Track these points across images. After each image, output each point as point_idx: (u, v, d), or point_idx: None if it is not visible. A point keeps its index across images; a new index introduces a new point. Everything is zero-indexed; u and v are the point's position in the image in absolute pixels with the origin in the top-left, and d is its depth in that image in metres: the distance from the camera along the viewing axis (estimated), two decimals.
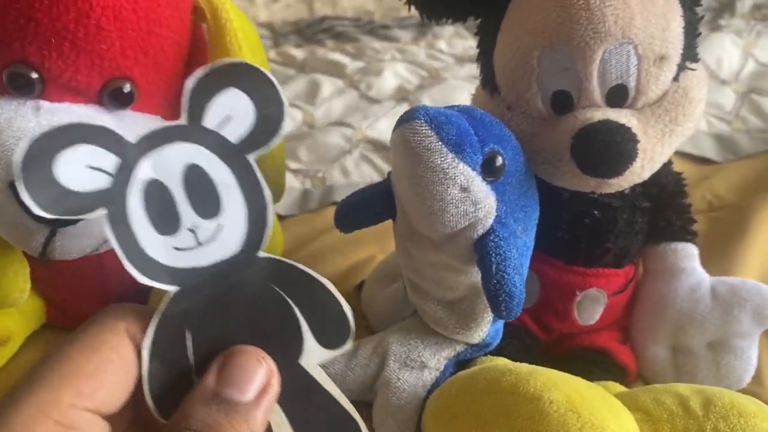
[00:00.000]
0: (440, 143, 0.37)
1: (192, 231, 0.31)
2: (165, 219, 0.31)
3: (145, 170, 0.31)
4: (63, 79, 0.38)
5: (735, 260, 0.59)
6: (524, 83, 0.43)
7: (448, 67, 1.01)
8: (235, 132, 0.32)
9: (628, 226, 0.48)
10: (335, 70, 1.01)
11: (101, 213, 0.30)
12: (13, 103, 0.38)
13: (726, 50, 0.97)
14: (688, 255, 0.51)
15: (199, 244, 0.32)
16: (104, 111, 0.40)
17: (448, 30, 1.17)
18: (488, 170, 0.39)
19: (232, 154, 0.32)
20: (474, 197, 0.38)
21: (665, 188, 0.50)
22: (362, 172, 0.78)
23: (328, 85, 0.96)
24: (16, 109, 0.37)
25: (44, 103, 0.38)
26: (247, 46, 0.43)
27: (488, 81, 0.47)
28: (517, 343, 0.50)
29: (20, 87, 0.38)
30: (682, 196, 0.51)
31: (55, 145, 0.29)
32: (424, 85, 0.96)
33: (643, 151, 0.42)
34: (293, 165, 0.79)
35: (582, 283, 0.49)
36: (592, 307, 0.50)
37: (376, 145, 0.82)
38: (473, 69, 1.00)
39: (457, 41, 1.12)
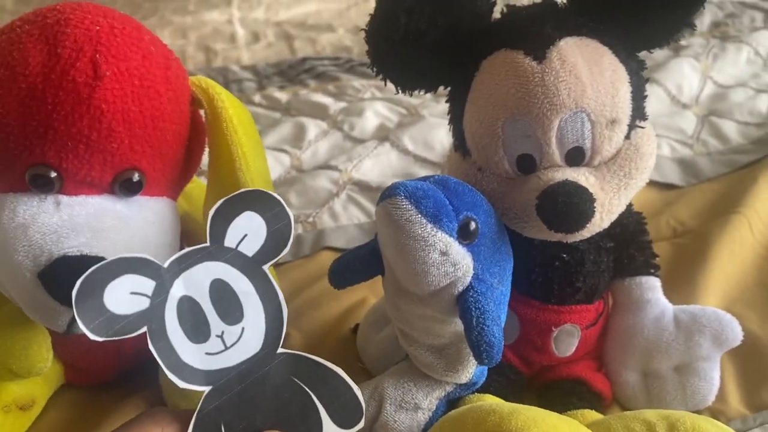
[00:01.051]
0: (419, 215, 0.42)
1: (220, 337, 0.38)
2: (197, 329, 0.37)
3: (177, 289, 0.37)
4: (79, 176, 0.42)
5: (698, 287, 0.64)
6: (492, 148, 0.48)
7: (425, 103, 1.06)
8: (251, 247, 0.38)
9: (595, 266, 0.53)
10: (319, 111, 1.06)
11: (143, 330, 0.36)
12: (34, 200, 0.42)
13: (685, 75, 1.03)
14: (652, 287, 0.56)
15: (227, 347, 0.38)
16: (116, 199, 0.44)
17: None
18: (464, 235, 0.43)
19: (250, 266, 0.38)
20: (453, 259, 0.43)
21: (627, 228, 0.55)
22: (350, 215, 0.82)
23: (313, 127, 1.01)
24: (38, 205, 0.42)
25: (63, 198, 0.42)
26: (242, 130, 0.48)
27: (460, 145, 0.52)
28: (502, 379, 0.55)
29: (41, 185, 0.42)
30: (643, 234, 0.56)
31: (105, 278, 0.35)
32: (404, 123, 1.01)
33: (601, 205, 0.47)
34: None
35: (557, 319, 0.54)
36: (567, 341, 0.55)
37: (362, 187, 0.87)
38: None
39: None
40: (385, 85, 0.53)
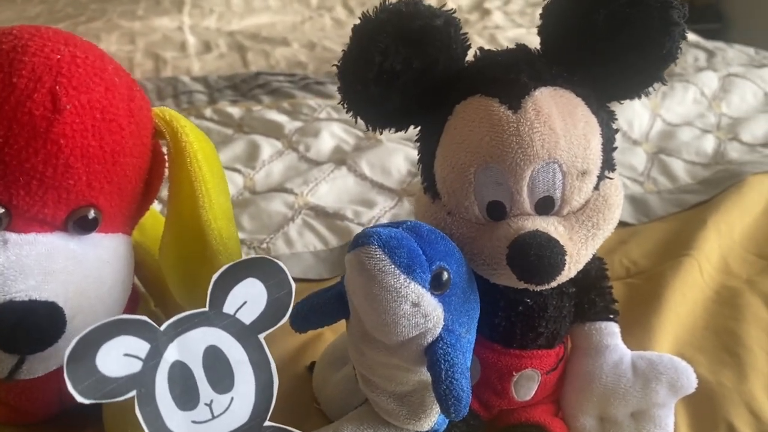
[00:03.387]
0: (393, 266, 0.41)
1: (209, 405, 0.37)
2: (186, 396, 0.36)
3: (171, 353, 0.36)
4: (30, 213, 0.40)
5: (652, 329, 0.65)
6: (462, 194, 0.48)
7: None
8: (249, 315, 0.38)
9: (557, 311, 0.53)
10: (273, 130, 1.04)
11: (132, 394, 0.35)
12: None
13: (636, 111, 1.06)
14: (611, 333, 0.56)
15: (214, 416, 0.37)
16: (69, 237, 0.42)
17: None
18: (436, 285, 0.43)
19: (246, 334, 0.38)
20: (424, 311, 0.42)
21: (589, 273, 0.55)
22: (306, 241, 0.81)
23: (267, 146, 0.99)
24: None
25: (11, 236, 0.39)
26: (206, 166, 0.46)
27: (430, 187, 0.51)
28: (462, 424, 0.54)
29: None
30: (604, 279, 0.57)
31: (100, 338, 0.34)
32: (361, 146, 1.00)
33: (569, 256, 0.47)
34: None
35: (518, 364, 0.53)
36: (527, 385, 0.55)
37: (318, 212, 0.85)
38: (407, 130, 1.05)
39: None
40: (356, 122, 0.52)
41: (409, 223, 0.45)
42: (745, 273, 0.75)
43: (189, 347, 0.37)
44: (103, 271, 0.42)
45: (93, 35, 1.33)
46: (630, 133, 1.03)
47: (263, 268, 0.39)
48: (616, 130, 0.50)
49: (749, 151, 1.01)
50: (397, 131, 0.53)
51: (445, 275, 0.43)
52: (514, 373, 0.53)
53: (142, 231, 0.55)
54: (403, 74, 0.48)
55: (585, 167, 0.47)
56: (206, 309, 0.38)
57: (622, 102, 0.51)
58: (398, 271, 0.41)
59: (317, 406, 0.58)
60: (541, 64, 0.48)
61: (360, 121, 0.52)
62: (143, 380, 0.36)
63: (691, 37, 1.47)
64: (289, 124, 1.05)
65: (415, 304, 0.42)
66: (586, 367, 0.56)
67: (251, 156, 0.97)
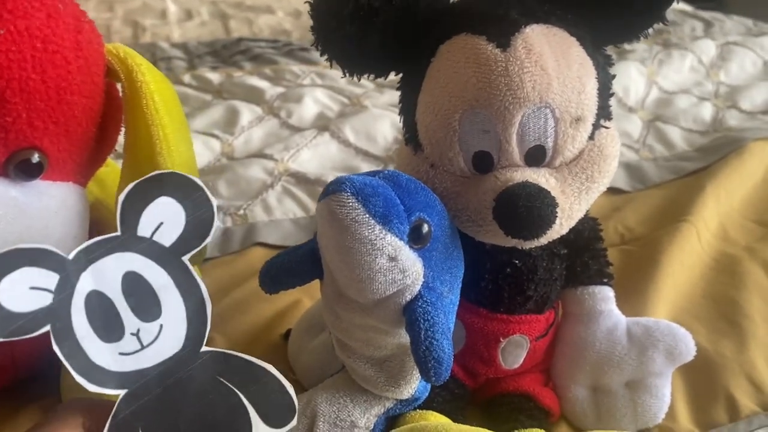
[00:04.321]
0: (367, 215, 0.37)
1: (135, 335, 0.33)
2: (109, 327, 0.33)
3: (85, 283, 0.32)
4: None
5: (648, 296, 0.62)
6: (446, 143, 0.44)
7: (368, 93, 1.01)
8: (168, 236, 0.34)
9: (548, 273, 0.50)
10: (254, 96, 0.99)
11: (46, 329, 0.32)
12: None
13: (632, 78, 1.02)
14: (605, 298, 0.53)
15: (143, 346, 0.34)
16: (10, 183, 0.38)
17: None
18: (415, 238, 0.39)
19: (167, 257, 0.34)
20: (402, 265, 0.38)
21: (582, 234, 0.52)
22: (285, 208, 0.77)
23: (247, 112, 0.95)
24: None
25: None
26: (164, 109, 0.42)
27: (411, 138, 0.47)
28: (446, 393, 0.51)
29: None
30: (598, 241, 0.53)
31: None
32: (346, 113, 0.95)
33: (561, 210, 0.43)
34: None
35: (505, 329, 0.50)
36: (515, 353, 0.51)
37: (299, 179, 0.81)
38: (394, 96, 1.01)
39: None
40: (331, 66, 0.47)
41: (386, 172, 0.41)
42: (745, 240, 0.72)
43: (104, 275, 0.33)
44: (49, 222, 0.38)
45: None
46: (625, 100, 0.99)
47: (177, 185, 0.35)
48: (613, 76, 0.47)
49: (749, 118, 0.97)
50: (376, 77, 0.49)
51: (425, 227, 0.39)
52: (501, 339, 0.50)
53: (102, 187, 0.51)
54: (382, 11, 0.44)
55: (579, 113, 0.43)
56: (118, 233, 0.34)
57: (619, 45, 0.47)
58: (373, 221, 0.37)
59: (293, 376, 0.55)
60: (533, 0, 0.44)
61: (336, 66, 0.48)
62: (56, 314, 0.32)
63: (688, 7, 1.44)
64: (271, 90, 1.01)
65: (392, 258, 0.38)
66: (578, 333, 0.53)
67: (230, 122, 0.93)
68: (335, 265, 0.40)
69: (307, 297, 0.62)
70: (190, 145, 0.45)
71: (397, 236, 0.38)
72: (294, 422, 0.36)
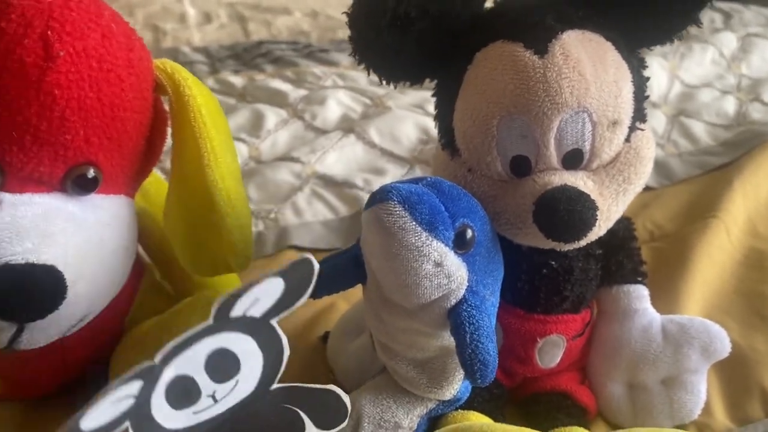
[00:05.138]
0: (414, 223, 0.38)
1: (211, 396, 0.35)
2: (186, 398, 0.34)
3: (168, 374, 0.33)
4: (25, 172, 0.37)
5: (678, 293, 0.62)
6: (484, 148, 0.45)
7: (390, 94, 1.02)
8: (261, 308, 0.35)
9: (584, 274, 0.50)
10: (277, 99, 1.00)
11: (124, 427, 0.32)
12: None
13: (654, 73, 1.02)
14: (640, 296, 0.53)
15: (217, 401, 0.35)
16: (68, 198, 0.39)
17: None
18: (460, 244, 0.40)
19: (256, 324, 0.35)
20: (447, 270, 0.39)
21: (616, 234, 0.52)
22: (315, 210, 0.78)
23: (272, 115, 0.96)
24: None
25: (5, 196, 0.37)
26: (211, 122, 0.43)
27: (448, 144, 0.48)
28: (485, 393, 0.51)
29: None
30: (632, 240, 0.54)
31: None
32: (369, 114, 0.96)
33: (600, 212, 0.44)
34: None
35: (542, 330, 0.51)
36: (552, 352, 0.52)
37: (327, 181, 0.82)
38: (416, 97, 1.02)
39: None
40: (369, 75, 0.48)
41: (429, 179, 0.42)
42: None
43: (189, 360, 0.34)
44: (104, 235, 0.40)
45: None
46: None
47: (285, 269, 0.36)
48: (647, 78, 0.47)
49: None
50: (412, 85, 0.50)
51: (470, 233, 0.40)
52: (538, 339, 0.51)
53: (145, 197, 0.53)
54: (419, 21, 0.44)
55: (616, 117, 0.44)
56: (210, 323, 0.34)
57: (651, 48, 0.48)
58: (419, 228, 0.38)
59: (332, 377, 0.56)
60: (568, 6, 0.45)
61: (373, 76, 0.49)
62: (136, 411, 0.33)
63: None
64: (294, 93, 1.02)
65: (438, 264, 0.39)
66: (614, 332, 0.53)
67: (256, 125, 0.94)
68: (381, 271, 0.41)
69: (342, 300, 0.63)
70: (235, 156, 0.46)
71: (442, 242, 0.39)
72: (344, 424, 0.38)
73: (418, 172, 0.85)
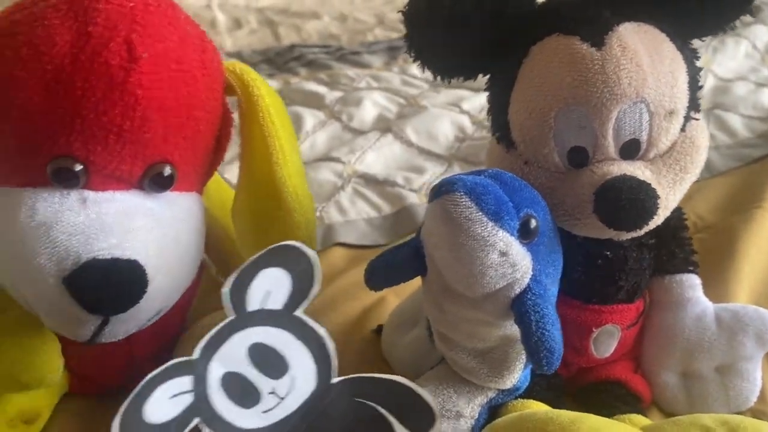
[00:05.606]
0: (480, 213, 0.39)
1: (273, 393, 0.38)
2: (247, 396, 0.37)
3: (215, 370, 0.37)
4: (107, 170, 0.38)
5: (727, 282, 0.62)
6: (542, 141, 0.46)
7: (423, 93, 1.03)
8: (278, 300, 0.38)
9: (638, 263, 0.51)
10: (314, 101, 1.02)
11: (196, 422, 0.36)
12: (56, 196, 0.38)
13: None
14: (692, 285, 0.54)
15: (282, 398, 0.37)
16: (145, 195, 0.40)
17: None
18: (524, 233, 0.41)
19: (282, 318, 0.38)
20: (512, 260, 0.40)
21: (668, 223, 0.53)
22: (358, 209, 0.79)
23: (310, 117, 0.97)
24: (61, 201, 0.38)
25: (89, 194, 0.38)
26: (279, 120, 0.44)
27: (504, 137, 0.49)
28: (543, 382, 0.52)
29: (65, 180, 0.38)
30: (683, 230, 0.54)
31: (140, 403, 0.36)
32: (405, 113, 0.97)
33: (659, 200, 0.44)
34: None
35: (598, 319, 0.51)
36: (607, 342, 0.53)
37: (368, 180, 0.84)
38: (449, 95, 1.03)
39: None
40: (423, 72, 0.49)
41: (490, 170, 0.43)
42: None
43: (230, 356, 0.38)
44: (179, 230, 0.41)
45: None
46: None
47: (272, 255, 0.39)
48: (699, 69, 0.48)
49: None
50: (465, 80, 0.51)
51: (533, 222, 0.41)
52: (593, 329, 0.52)
53: (206, 196, 0.54)
54: (474, 17, 0.46)
55: (672, 106, 0.45)
56: (232, 317, 0.38)
57: (703, 39, 0.48)
58: (486, 219, 0.39)
59: (389, 369, 0.57)
60: None
61: (427, 73, 0.50)
62: (200, 406, 0.37)
63: None
64: (330, 95, 1.04)
65: (504, 253, 0.40)
66: (667, 321, 0.54)
67: (294, 127, 0.95)
68: (446, 261, 0.42)
69: (392, 294, 0.64)
70: (299, 154, 0.48)
71: (508, 232, 0.40)
72: (438, 426, 0.39)
73: (456, 169, 0.86)
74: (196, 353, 0.37)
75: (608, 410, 0.51)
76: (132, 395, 0.36)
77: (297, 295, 0.39)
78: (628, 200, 0.42)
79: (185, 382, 0.37)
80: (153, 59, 0.37)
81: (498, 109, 0.49)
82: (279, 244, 0.39)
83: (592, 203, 0.44)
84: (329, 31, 1.37)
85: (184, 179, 0.42)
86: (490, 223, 0.39)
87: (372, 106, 1.00)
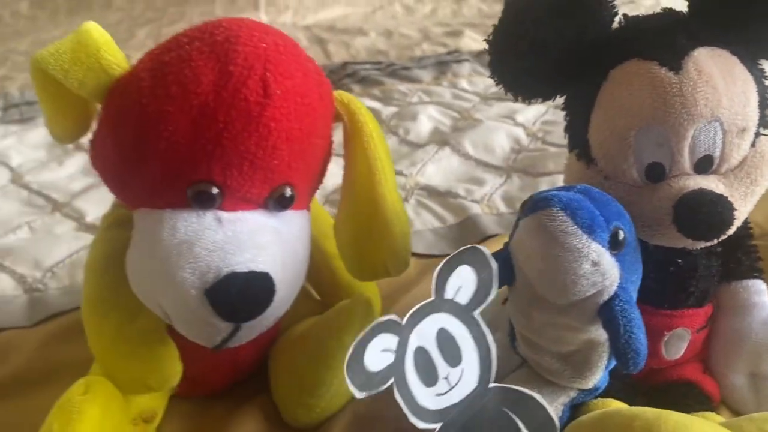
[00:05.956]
0: (576, 227, 0.43)
1: (446, 379, 0.42)
2: (428, 374, 0.42)
3: (413, 341, 0.41)
4: (240, 193, 0.43)
5: None
6: (621, 157, 0.49)
7: (476, 106, 1.07)
8: (464, 297, 0.43)
9: (707, 270, 0.54)
10: None
11: (391, 382, 0.41)
12: (193, 216, 0.42)
13: None
14: (758, 291, 0.56)
15: (451, 387, 0.42)
16: (269, 214, 0.45)
17: (465, 68, 1.23)
18: (614, 244, 0.44)
19: (464, 313, 0.43)
20: (603, 269, 0.44)
21: (735, 232, 0.56)
22: (424, 220, 0.83)
23: None
24: (198, 221, 0.42)
25: (223, 214, 0.43)
26: (381, 146, 0.48)
27: (583, 154, 0.52)
28: (618, 383, 0.55)
29: (203, 201, 0.42)
30: (749, 238, 0.57)
31: (366, 341, 0.40)
32: (459, 127, 1.01)
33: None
34: None
35: (669, 324, 0.54)
36: (678, 345, 0.56)
37: (430, 191, 0.88)
38: (501, 108, 1.07)
39: (476, 79, 1.18)
40: (506, 94, 0.53)
41: (579, 186, 0.46)
42: None
43: (425, 333, 0.42)
44: (296, 245, 0.46)
45: None
46: None
47: (471, 256, 0.44)
48: (767, 87, 0.51)
49: None
50: (543, 101, 0.54)
51: (621, 234, 0.45)
52: (665, 333, 0.55)
53: None
54: (555, 44, 0.49)
55: (744, 124, 0.48)
56: (433, 298, 0.43)
57: None
58: (581, 232, 0.43)
59: None
60: (695, 24, 0.49)
61: (509, 95, 0.54)
62: (397, 368, 0.41)
63: None
64: (385, 110, 1.08)
65: (595, 263, 0.43)
66: (734, 325, 0.56)
67: None
68: (539, 272, 0.45)
69: None
70: (394, 173, 0.52)
71: (600, 244, 0.43)
72: None
73: (516, 180, 0.89)
74: (404, 320, 0.42)
75: (682, 409, 0.53)
76: (357, 339, 0.40)
77: (478, 297, 0.44)
78: (708, 213, 0.46)
79: (393, 341, 0.41)
80: (283, 95, 0.41)
81: (577, 127, 0.53)
82: (472, 245, 0.44)
83: (671, 215, 0.47)
84: (377, 47, 1.41)
85: (300, 199, 0.46)
86: (584, 236, 0.43)
87: (427, 120, 1.04)
